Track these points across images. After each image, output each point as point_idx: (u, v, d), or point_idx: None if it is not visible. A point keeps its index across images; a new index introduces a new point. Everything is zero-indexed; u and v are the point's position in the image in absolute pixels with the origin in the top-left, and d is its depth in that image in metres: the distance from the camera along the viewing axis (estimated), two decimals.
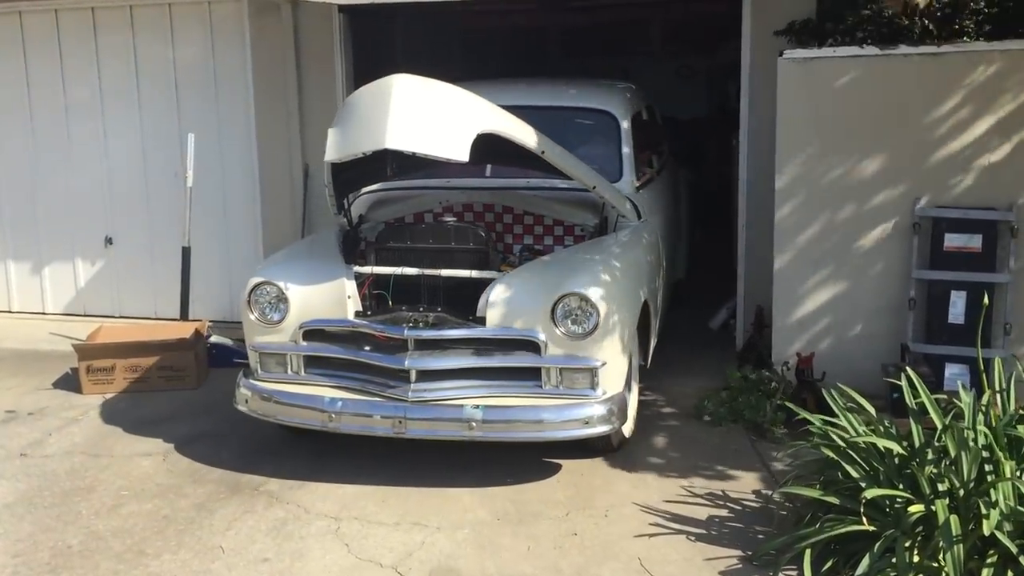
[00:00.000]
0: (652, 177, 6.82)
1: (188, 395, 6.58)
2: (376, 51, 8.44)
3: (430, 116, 4.69)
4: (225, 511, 4.88)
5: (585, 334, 4.78)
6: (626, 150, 6.33)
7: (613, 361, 4.89)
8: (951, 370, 5.80)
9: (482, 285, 5.04)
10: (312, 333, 5.13)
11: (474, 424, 4.75)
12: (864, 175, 5.97)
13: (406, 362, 4.88)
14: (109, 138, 8.42)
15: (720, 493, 4.90)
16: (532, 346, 4.86)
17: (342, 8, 7.58)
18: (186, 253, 7.22)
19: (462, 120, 4.76)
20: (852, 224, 6.04)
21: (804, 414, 4.78)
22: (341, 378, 5.09)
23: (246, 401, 5.24)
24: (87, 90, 8.37)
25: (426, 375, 4.91)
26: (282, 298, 5.12)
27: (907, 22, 5.87)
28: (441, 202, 6.01)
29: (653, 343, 5.94)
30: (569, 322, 4.81)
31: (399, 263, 5.27)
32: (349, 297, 5.06)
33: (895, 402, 5.13)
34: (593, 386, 4.83)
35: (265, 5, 7.79)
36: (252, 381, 5.25)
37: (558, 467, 5.23)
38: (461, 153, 4.61)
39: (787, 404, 5.37)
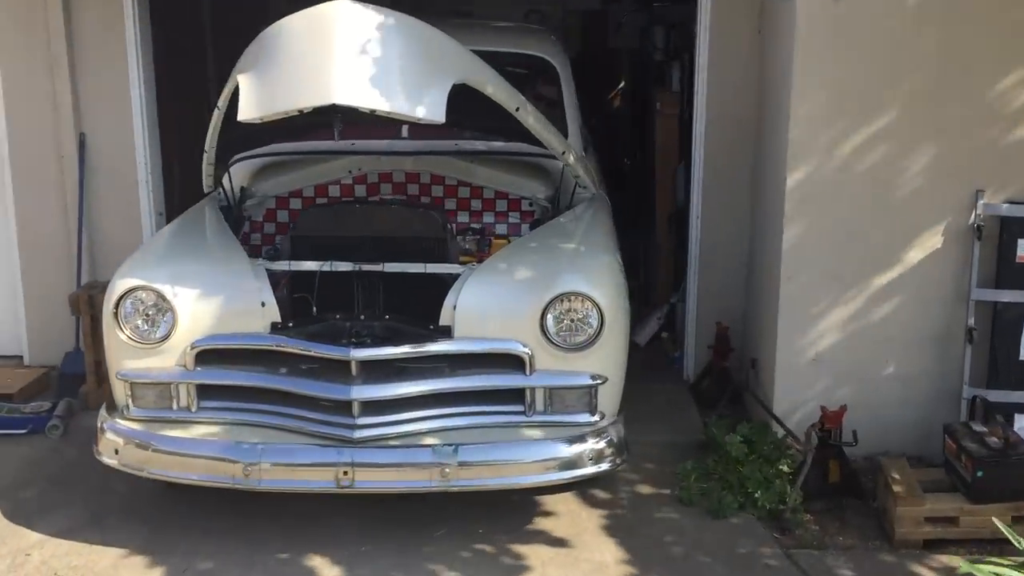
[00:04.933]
0: (588, 141, 5.62)
1: None
2: None
3: (389, 60, 3.66)
4: None
5: (584, 344, 3.88)
6: (570, 107, 5.27)
7: (614, 377, 3.99)
8: (1022, 423, 4.44)
9: (440, 282, 4.04)
10: (208, 354, 3.89)
11: (448, 470, 3.72)
12: (907, 162, 4.41)
13: (352, 391, 3.76)
14: None
15: None
16: (514, 361, 3.90)
17: None
18: None
19: (432, 66, 3.80)
20: (887, 229, 4.49)
21: None
22: (250, 412, 3.90)
23: (116, 451, 3.89)
24: None
25: (374, 405, 3.82)
26: (165, 308, 3.88)
27: None
28: (351, 170, 4.94)
29: None
30: (564, 329, 3.88)
31: (325, 256, 4.10)
32: (263, 304, 3.91)
33: (973, 481, 3.93)
34: (591, 409, 3.95)
35: None
36: (122, 423, 3.91)
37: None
38: (436, 112, 3.68)
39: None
